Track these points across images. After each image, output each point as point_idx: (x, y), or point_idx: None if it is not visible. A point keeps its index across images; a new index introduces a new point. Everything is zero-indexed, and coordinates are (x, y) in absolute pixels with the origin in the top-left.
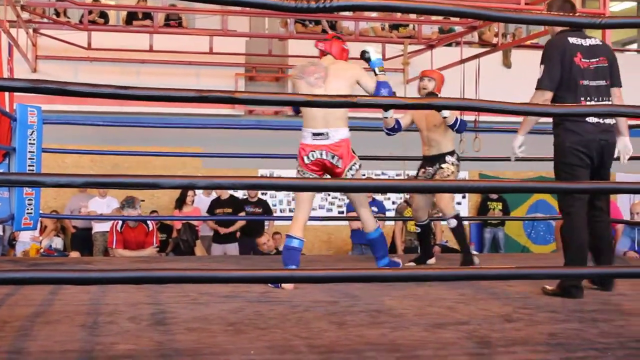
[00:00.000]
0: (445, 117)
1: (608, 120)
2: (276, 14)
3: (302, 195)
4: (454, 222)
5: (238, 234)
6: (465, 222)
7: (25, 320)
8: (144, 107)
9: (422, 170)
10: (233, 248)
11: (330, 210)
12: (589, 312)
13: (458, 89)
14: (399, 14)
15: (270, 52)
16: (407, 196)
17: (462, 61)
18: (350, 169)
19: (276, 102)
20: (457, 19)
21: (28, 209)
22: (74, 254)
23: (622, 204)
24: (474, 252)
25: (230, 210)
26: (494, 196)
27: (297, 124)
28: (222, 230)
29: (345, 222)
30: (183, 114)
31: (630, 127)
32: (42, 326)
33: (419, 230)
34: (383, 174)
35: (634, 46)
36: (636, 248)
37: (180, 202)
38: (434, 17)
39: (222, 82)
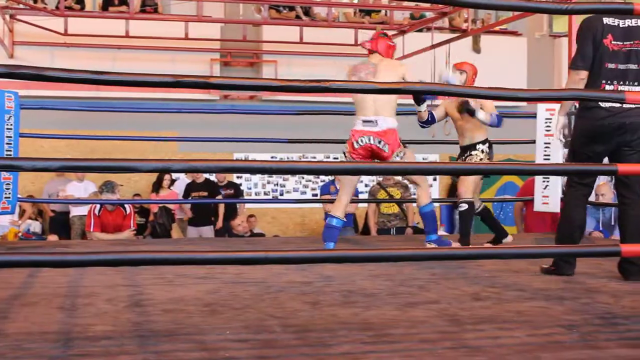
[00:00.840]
0: (480, 119)
1: (625, 105)
2: (251, 0)
3: (345, 179)
4: (464, 206)
5: (213, 217)
6: (436, 204)
7: (3, 303)
8: (121, 92)
9: (458, 161)
10: (208, 231)
11: (304, 192)
12: (555, 290)
13: (429, 74)
14: (371, 0)
15: (245, 38)
16: (380, 179)
17: (433, 46)
18: (397, 155)
19: (250, 87)
20: (427, 5)
21: (6, 194)
22: (52, 238)
23: None
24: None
25: (205, 193)
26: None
27: (271, 109)
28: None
29: (320, 204)
30: (159, 98)
31: None
32: (20, 308)
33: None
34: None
35: None
36: (600, 228)
37: (157, 186)
38: (405, 3)
39: (198, 67)
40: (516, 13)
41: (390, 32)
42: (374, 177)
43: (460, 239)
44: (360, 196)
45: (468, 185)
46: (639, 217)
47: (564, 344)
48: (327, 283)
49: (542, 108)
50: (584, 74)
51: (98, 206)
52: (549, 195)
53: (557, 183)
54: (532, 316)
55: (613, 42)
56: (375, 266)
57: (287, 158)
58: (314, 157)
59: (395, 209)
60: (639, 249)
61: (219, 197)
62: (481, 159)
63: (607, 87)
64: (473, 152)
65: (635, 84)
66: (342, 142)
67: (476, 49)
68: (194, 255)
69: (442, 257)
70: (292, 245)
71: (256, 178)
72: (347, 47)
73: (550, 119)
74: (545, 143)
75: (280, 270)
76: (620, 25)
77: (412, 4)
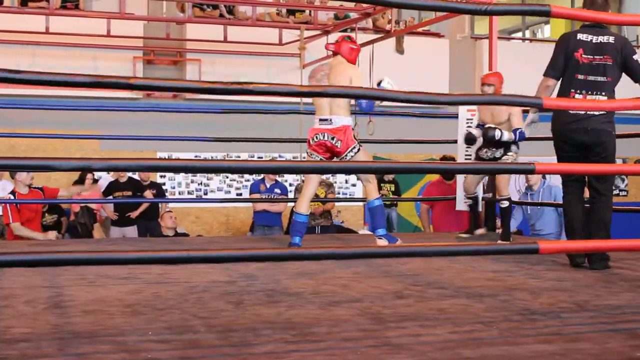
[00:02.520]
0: (505, 140)
1: (589, 112)
2: None
3: (309, 175)
4: (505, 203)
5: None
6: (360, 203)
7: None
8: (41, 90)
9: (485, 150)
10: (132, 231)
11: (228, 192)
12: (475, 288)
13: None
14: None
15: (168, 36)
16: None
17: None
18: (351, 151)
19: (172, 89)
20: (351, 5)
21: None
22: None
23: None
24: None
25: (130, 193)
26: (387, 178)
27: (195, 107)
28: (134, 214)
29: (244, 204)
30: (80, 96)
31: None
32: None
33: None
34: (280, 156)
35: (519, 35)
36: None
37: (81, 183)
38: (329, 3)
39: (120, 65)
40: (439, 14)
41: (313, 32)
42: (297, 176)
43: (502, 235)
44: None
45: (505, 182)
46: (600, 214)
47: (484, 341)
48: (251, 282)
49: (463, 108)
50: (552, 82)
51: (12, 197)
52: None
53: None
54: (453, 313)
55: (583, 56)
56: (299, 265)
57: (212, 157)
58: (239, 156)
59: (320, 207)
60: (555, 246)
61: (147, 195)
62: (514, 160)
63: (577, 96)
64: (509, 153)
65: (602, 94)
66: (267, 140)
67: (399, 49)
68: (115, 255)
69: (365, 256)
70: (216, 245)
71: (180, 177)
72: (272, 47)
73: (472, 119)
74: (467, 147)
75: (204, 270)
76: (593, 41)
77: (337, 3)
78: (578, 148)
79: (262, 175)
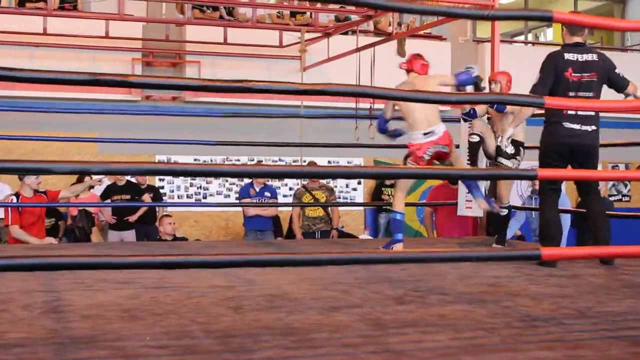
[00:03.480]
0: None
1: (584, 127)
2: None
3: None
4: (505, 211)
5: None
6: (360, 208)
7: None
8: (39, 92)
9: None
10: (130, 235)
11: (227, 196)
12: (477, 293)
13: (354, 77)
14: (296, 1)
15: (167, 38)
16: (305, 182)
17: (358, 49)
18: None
19: (170, 87)
20: (352, 8)
21: None
22: None
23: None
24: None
25: (128, 196)
26: (389, 182)
27: (194, 111)
28: (132, 218)
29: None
30: (79, 99)
31: None
32: None
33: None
34: (281, 160)
35: (522, 38)
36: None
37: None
38: (330, 6)
39: (119, 67)
40: (440, 18)
41: (314, 35)
42: (297, 180)
43: (497, 240)
44: (286, 200)
45: (509, 190)
46: (602, 215)
47: (486, 347)
48: (251, 287)
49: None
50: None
51: (14, 199)
52: (472, 200)
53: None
54: (454, 320)
55: (573, 74)
56: (299, 270)
57: (211, 160)
58: (238, 160)
59: (320, 212)
60: (558, 253)
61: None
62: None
63: (570, 112)
64: (521, 154)
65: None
66: (268, 144)
67: (401, 52)
68: (113, 259)
69: (366, 261)
70: (215, 249)
71: (179, 181)
72: (272, 49)
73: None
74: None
75: (203, 275)
76: (579, 60)
77: (337, 6)
78: (566, 161)
79: (251, 179)
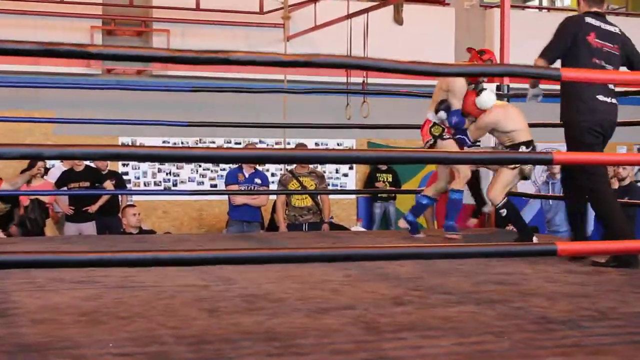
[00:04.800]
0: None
1: (613, 100)
2: None
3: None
4: (504, 212)
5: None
6: (352, 196)
7: None
8: None
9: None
10: (89, 227)
11: (201, 183)
12: (485, 293)
13: (344, 48)
14: None
15: (131, 2)
16: (293, 166)
17: (349, 16)
18: (425, 144)
19: (135, 58)
20: None
21: None
22: None
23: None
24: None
25: (87, 184)
26: (384, 167)
27: (163, 85)
28: (92, 209)
29: (219, 196)
30: (30, 72)
31: None
32: None
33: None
34: (261, 142)
35: (535, 3)
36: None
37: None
38: None
39: (76, 35)
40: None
41: (299, 0)
42: (280, 165)
43: (520, 236)
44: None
45: (502, 187)
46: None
47: (495, 353)
48: (228, 287)
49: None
50: (545, 65)
51: None
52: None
53: (488, 174)
54: (459, 322)
55: (596, 40)
56: (283, 267)
57: (182, 143)
58: (213, 142)
59: (308, 201)
60: (576, 247)
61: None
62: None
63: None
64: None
65: (615, 85)
66: (247, 125)
67: (398, 20)
68: (70, 256)
69: (359, 257)
70: (187, 244)
71: (145, 166)
72: (251, 16)
73: None
74: None
75: (174, 273)
76: (602, 27)
77: None
78: (604, 140)
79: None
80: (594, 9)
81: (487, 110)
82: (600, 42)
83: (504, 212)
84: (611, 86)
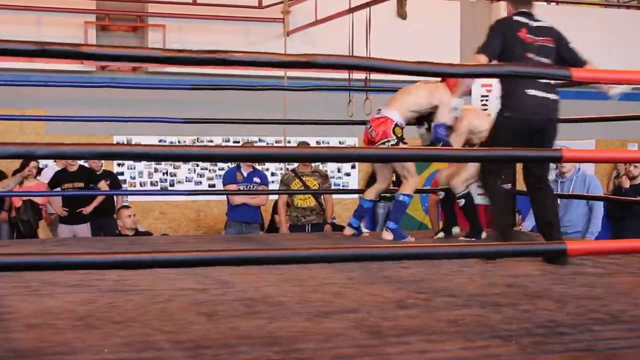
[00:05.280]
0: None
1: (549, 95)
2: None
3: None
4: (462, 202)
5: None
6: (355, 196)
7: None
8: None
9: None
10: (84, 229)
11: (199, 183)
12: (491, 295)
13: (345, 44)
14: None
15: None
16: (296, 165)
17: (351, 10)
18: (383, 143)
19: (131, 58)
20: None
21: None
22: None
23: None
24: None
25: (82, 184)
26: None
27: (159, 82)
28: (87, 210)
29: (218, 197)
30: (22, 69)
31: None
32: None
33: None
34: (261, 140)
35: None
36: None
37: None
38: None
39: (69, 31)
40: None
41: None
42: (280, 164)
43: (470, 232)
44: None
45: (460, 178)
46: (551, 204)
47: (502, 358)
48: (226, 290)
49: (477, 84)
50: (484, 59)
51: None
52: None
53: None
54: (465, 326)
55: (528, 35)
56: (283, 270)
57: (179, 142)
58: (211, 141)
59: (311, 201)
60: (586, 247)
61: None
62: None
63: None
64: None
65: None
66: (247, 122)
67: (401, 14)
68: (64, 258)
69: (361, 258)
70: (184, 246)
71: (141, 166)
72: (250, 10)
73: (487, 96)
74: None
75: (170, 276)
76: (530, 24)
77: None
78: (531, 138)
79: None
80: (522, 9)
81: (459, 117)
82: (532, 37)
83: (462, 202)
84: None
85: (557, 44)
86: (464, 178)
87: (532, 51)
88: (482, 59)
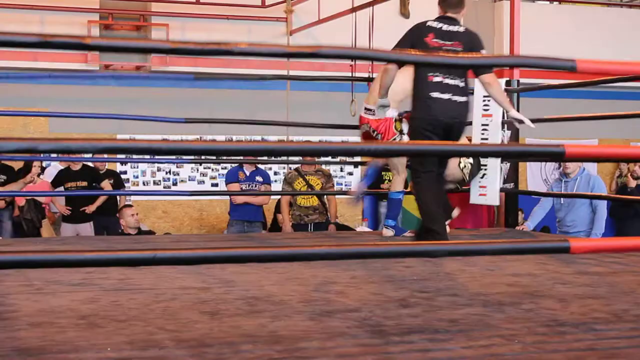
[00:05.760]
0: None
1: (455, 98)
2: None
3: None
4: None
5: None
6: None
7: None
8: None
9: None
10: (87, 228)
11: (201, 182)
12: (494, 294)
13: (348, 43)
14: None
15: None
16: (299, 165)
17: (354, 9)
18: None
19: (134, 49)
20: None
21: None
22: None
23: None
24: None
25: (85, 183)
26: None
27: (162, 82)
28: (90, 209)
29: (220, 196)
30: (26, 68)
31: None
32: None
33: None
34: (263, 139)
35: None
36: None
37: (25, 174)
38: None
39: (73, 30)
40: None
41: None
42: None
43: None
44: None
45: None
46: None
47: (505, 357)
48: (229, 289)
49: (479, 84)
50: (392, 66)
51: None
52: (486, 186)
53: (496, 170)
54: (467, 325)
55: (433, 40)
56: (285, 269)
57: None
58: (214, 140)
59: (314, 201)
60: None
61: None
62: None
63: (435, 79)
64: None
65: (456, 78)
66: (249, 122)
67: (404, 13)
68: (67, 256)
69: (363, 256)
70: (187, 244)
71: (144, 165)
72: (253, 9)
73: (487, 124)
74: (483, 124)
75: (173, 275)
76: (442, 29)
77: None
78: (439, 137)
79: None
80: (444, 14)
81: None
82: (438, 41)
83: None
84: (458, 83)
85: (466, 48)
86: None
87: None
88: (392, 66)
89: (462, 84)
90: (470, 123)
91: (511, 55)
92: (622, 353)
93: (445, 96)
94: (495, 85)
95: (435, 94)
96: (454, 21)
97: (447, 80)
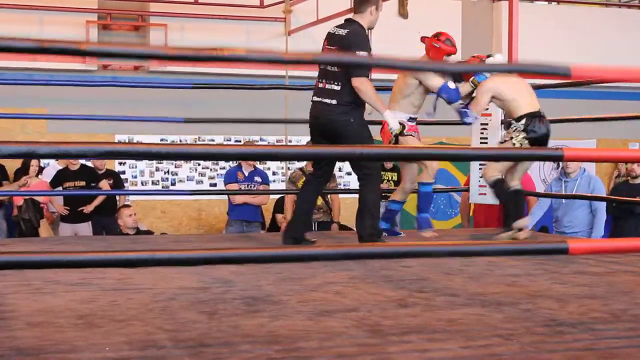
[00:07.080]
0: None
1: (324, 100)
2: None
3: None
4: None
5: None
6: (355, 195)
7: None
8: None
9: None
10: (85, 228)
11: (200, 182)
12: (492, 294)
13: None
14: None
15: None
16: (302, 164)
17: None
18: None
19: (132, 56)
20: None
21: None
22: None
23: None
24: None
25: (83, 183)
26: (388, 165)
27: (161, 82)
28: (88, 209)
29: (219, 196)
30: (23, 68)
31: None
32: None
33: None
34: (262, 140)
35: None
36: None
37: (22, 174)
38: None
39: (71, 30)
40: None
41: None
42: (282, 164)
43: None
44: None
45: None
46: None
47: (503, 357)
48: (227, 289)
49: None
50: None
51: None
52: (486, 185)
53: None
54: (466, 325)
55: (326, 46)
56: (283, 269)
57: (180, 141)
58: (212, 140)
59: (318, 200)
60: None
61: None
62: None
63: (320, 85)
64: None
65: (336, 83)
66: (248, 121)
67: (403, 13)
68: (66, 256)
69: (361, 256)
70: (186, 244)
71: (142, 165)
72: (252, 10)
73: (487, 124)
74: (482, 124)
75: (171, 275)
76: (331, 33)
77: None
78: (319, 138)
79: (238, 162)
80: (351, 17)
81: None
82: (327, 46)
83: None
84: (333, 87)
85: (341, 49)
86: (493, 169)
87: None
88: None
89: (337, 87)
90: (352, 125)
91: (509, 62)
92: (620, 353)
93: (316, 99)
94: (362, 89)
95: (313, 98)
96: (348, 24)
97: (326, 85)
